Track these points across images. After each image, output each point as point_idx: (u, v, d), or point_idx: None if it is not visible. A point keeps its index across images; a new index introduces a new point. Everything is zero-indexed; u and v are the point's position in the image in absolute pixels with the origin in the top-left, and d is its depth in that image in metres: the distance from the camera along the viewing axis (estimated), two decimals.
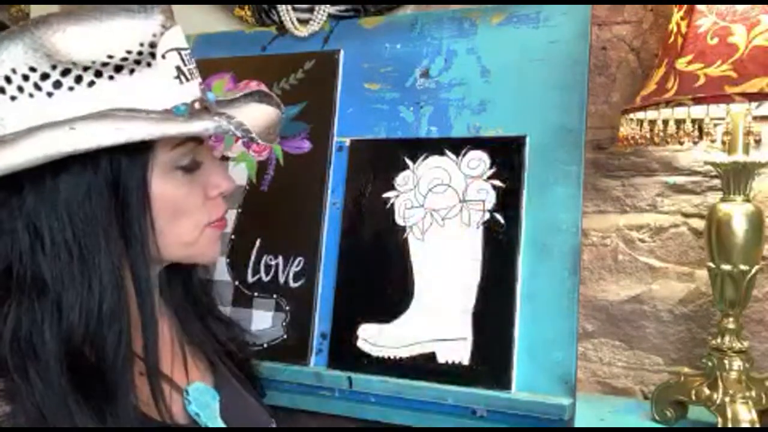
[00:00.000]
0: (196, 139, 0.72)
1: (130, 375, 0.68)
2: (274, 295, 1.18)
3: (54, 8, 1.69)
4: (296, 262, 1.18)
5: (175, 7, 1.51)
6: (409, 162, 1.14)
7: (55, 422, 0.61)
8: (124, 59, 0.66)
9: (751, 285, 1.04)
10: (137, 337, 0.70)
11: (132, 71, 0.67)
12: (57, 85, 0.65)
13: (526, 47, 1.11)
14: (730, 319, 1.04)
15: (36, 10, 1.77)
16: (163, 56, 0.69)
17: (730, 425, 0.98)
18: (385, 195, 1.14)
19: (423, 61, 1.18)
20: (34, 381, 0.62)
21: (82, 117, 0.64)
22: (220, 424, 0.78)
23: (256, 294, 1.19)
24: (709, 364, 1.04)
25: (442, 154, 1.12)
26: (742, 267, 1.02)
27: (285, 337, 1.16)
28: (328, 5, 1.27)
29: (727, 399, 0.99)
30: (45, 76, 0.65)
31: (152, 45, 0.68)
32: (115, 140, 0.63)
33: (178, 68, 0.70)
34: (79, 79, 0.65)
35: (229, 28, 1.45)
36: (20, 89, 0.65)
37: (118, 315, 0.67)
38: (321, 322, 1.15)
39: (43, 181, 0.65)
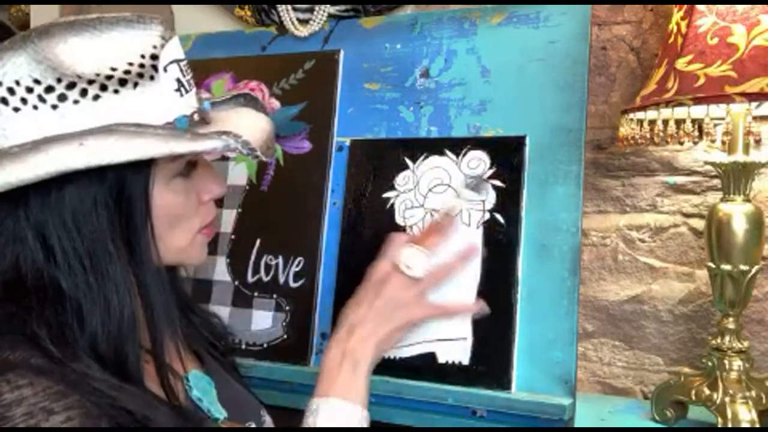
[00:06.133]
0: None
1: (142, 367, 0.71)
2: (274, 295, 1.18)
3: (54, 9, 1.70)
4: (296, 262, 1.18)
5: (175, 7, 1.54)
6: (409, 162, 1.14)
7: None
8: (127, 72, 0.67)
9: (751, 285, 1.04)
10: (144, 334, 0.73)
11: (136, 85, 0.68)
12: (62, 98, 0.65)
13: (526, 47, 1.10)
14: (730, 319, 1.04)
15: (36, 10, 1.77)
16: (165, 69, 0.70)
17: (730, 425, 0.98)
18: (385, 195, 1.14)
19: (423, 61, 1.18)
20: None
21: (90, 132, 0.65)
22: (220, 408, 0.80)
23: (256, 294, 1.19)
24: (709, 364, 1.04)
25: (442, 154, 1.11)
26: (742, 267, 1.02)
27: (285, 337, 1.16)
28: (328, 5, 1.27)
29: (727, 399, 0.99)
30: (50, 89, 0.65)
31: (153, 57, 0.69)
32: (126, 158, 0.65)
33: (178, 80, 0.72)
34: (84, 93, 0.66)
35: (229, 28, 1.45)
36: (23, 101, 0.65)
37: (133, 322, 0.70)
38: (321, 322, 1.15)
39: (49, 191, 0.67)
